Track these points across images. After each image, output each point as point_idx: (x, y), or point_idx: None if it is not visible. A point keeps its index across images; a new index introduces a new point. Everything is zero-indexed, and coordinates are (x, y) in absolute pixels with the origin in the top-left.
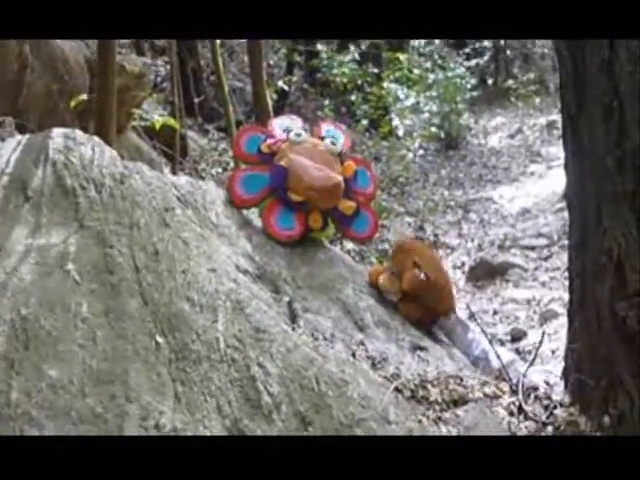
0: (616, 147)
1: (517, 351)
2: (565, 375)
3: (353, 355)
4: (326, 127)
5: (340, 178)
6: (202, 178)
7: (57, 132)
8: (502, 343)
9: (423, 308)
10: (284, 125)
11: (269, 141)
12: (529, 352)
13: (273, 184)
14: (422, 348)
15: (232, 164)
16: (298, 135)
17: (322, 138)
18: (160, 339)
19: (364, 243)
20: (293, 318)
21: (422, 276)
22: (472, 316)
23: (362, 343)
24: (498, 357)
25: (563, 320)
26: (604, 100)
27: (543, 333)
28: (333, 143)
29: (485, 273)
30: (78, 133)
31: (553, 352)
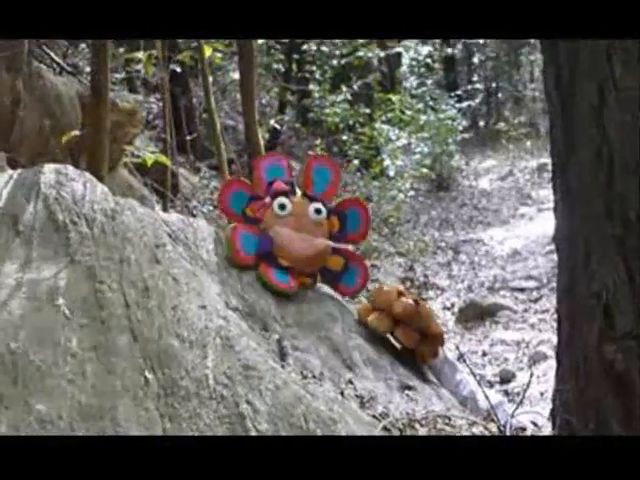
0: (605, 191)
1: (506, 392)
2: (553, 416)
3: (342, 394)
4: (317, 166)
5: (325, 243)
6: (193, 215)
7: (49, 167)
8: (491, 384)
9: (419, 333)
10: (270, 171)
11: (254, 205)
12: (518, 394)
13: (262, 250)
14: (410, 387)
15: None
16: (282, 207)
17: (310, 198)
18: (149, 375)
19: (354, 296)
20: (282, 356)
21: (410, 301)
22: (461, 357)
23: (351, 382)
24: (486, 398)
25: (552, 362)
26: (593, 146)
27: (531, 375)
28: (318, 211)
29: (475, 314)
30: (70, 169)
31: (542, 394)
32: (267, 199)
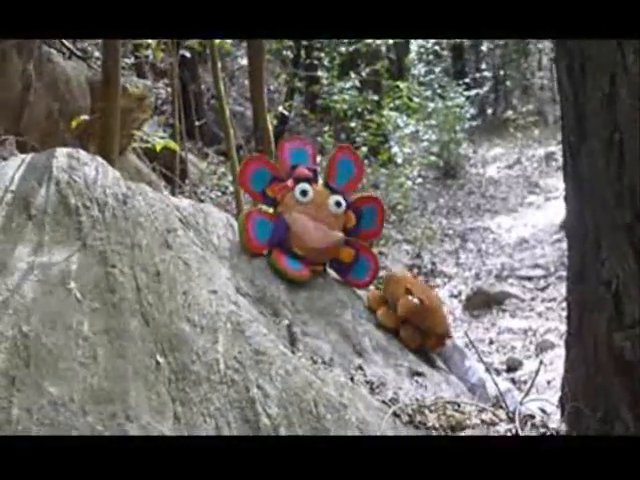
0: (616, 180)
1: (513, 381)
2: (562, 404)
3: (351, 379)
4: (342, 158)
5: (339, 236)
6: (201, 201)
7: (61, 152)
8: (498, 372)
9: (422, 334)
10: (294, 155)
11: (275, 187)
12: (524, 382)
13: (277, 237)
14: (420, 374)
15: (231, 188)
16: (304, 193)
17: (332, 189)
18: (160, 359)
19: (364, 288)
20: (292, 341)
21: (415, 301)
22: (470, 344)
23: (360, 368)
24: (495, 385)
25: (559, 351)
26: (604, 133)
27: (540, 362)
28: (338, 204)
29: (482, 302)
30: (82, 153)
31: (549, 382)
32: (289, 182)
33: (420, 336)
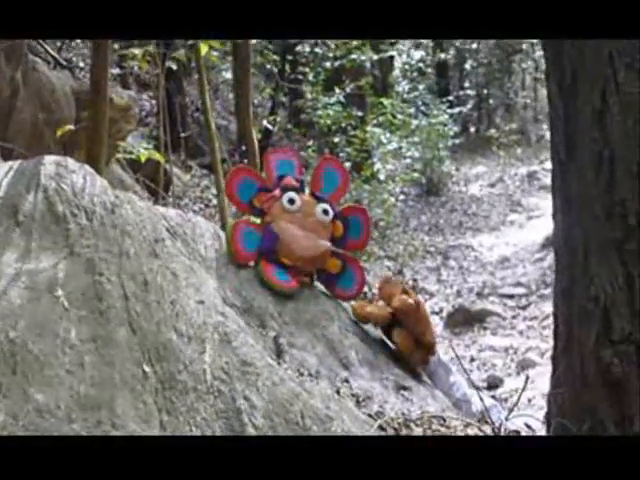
0: (605, 195)
1: (494, 398)
2: (547, 419)
3: (338, 392)
4: (326, 168)
5: (327, 245)
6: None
7: (49, 159)
8: (479, 390)
9: (413, 338)
10: (281, 166)
11: (262, 197)
12: (506, 399)
13: (265, 247)
14: (406, 388)
15: (214, 201)
16: (291, 202)
17: (318, 198)
18: (147, 368)
19: (350, 301)
20: (279, 353)
21: (411, 300)
22: (456, 358)
23: (347, 380)
24: (481, 400)
25: (540, 369)
26: (595, 148)
27: (527, 378)
28: (326, 212)
29: (463, 320)
30: (70, 161)
31: (529, 400)
32: (277, 192)
33: (411, 340)
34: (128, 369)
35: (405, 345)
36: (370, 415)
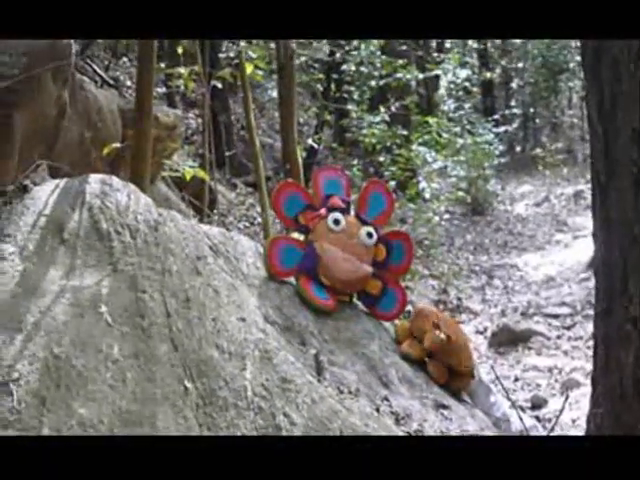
0: None
1: (537, 418)
2: None
3: (377, 410)
4: (373, 191)
5: (368, 270)
6: (229, 231)
7: (94, 177)
8: (522, 410)
9: (448, 369)
10: (329, 185)
11: (308, 215)
12: (549, 420)
13: (305, 265)
14: (445, 406)
15: (259, 219)
16: (336, 222)
17: (363, 221)
18: (188, 384)
19: (391, 321)
20: (319, 371)
21: (442, 336)
22: (497, 379)
23: (386, 399)
24: (521, 420)
25: (584, 389)
26: (634, 169)
27: (566, 398)
28: (370, 235)
29: (507, 339)
30: (114, 179)
31: (573, 421)
32: (323, 211)
33: (446, 372)
34: (169, 385)
35: (440, 376)
36: (409, 433)
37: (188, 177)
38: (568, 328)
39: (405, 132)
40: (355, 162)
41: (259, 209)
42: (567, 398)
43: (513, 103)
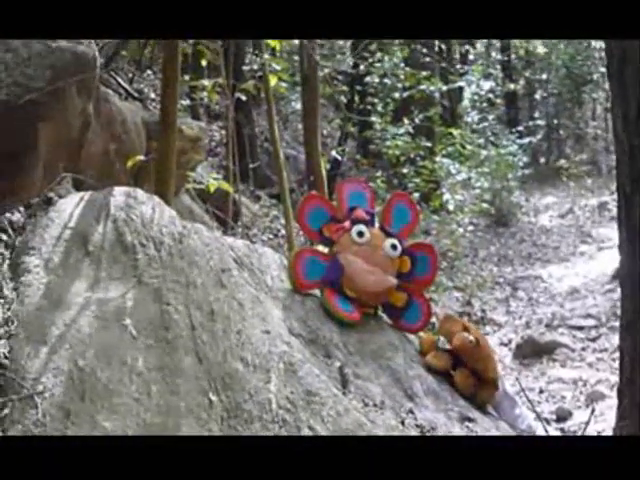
0: None
1: (562, 431)
2: None
3: (402, 423)
4: (398, 203)
5: (392, 281)
6: (253, 243)
7: (119, 190)
8: (547, 422)
9: (475, 377)
10: (353, 197)
11: (332, 227)
12: (574, 432)
13: (330, 277)
14: (470, 419)
15: (283, 231)
16: (360, 234)
17: (387, 233)
18: (213, 397)
19: (416, 333)
20: (344, 383)
21: (471, 337)
22: (522, 391)
23: (411, 411)
24: (546, 432)
25: (610, 402)
26: None
27: (592, 411)
28: (394, 247)
29: (532, 351)
30: (139, 192)
31: (599, 433)
32: (347, 223)
33: (473, 382)
34: (194, 398)
35: (466, 387)
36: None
37: (212, 189)
38: (593, 340)
39: (429, 144)
40: (379, 174)
41: (283, 221)
42: (593, 411)
43: (537, 114)
